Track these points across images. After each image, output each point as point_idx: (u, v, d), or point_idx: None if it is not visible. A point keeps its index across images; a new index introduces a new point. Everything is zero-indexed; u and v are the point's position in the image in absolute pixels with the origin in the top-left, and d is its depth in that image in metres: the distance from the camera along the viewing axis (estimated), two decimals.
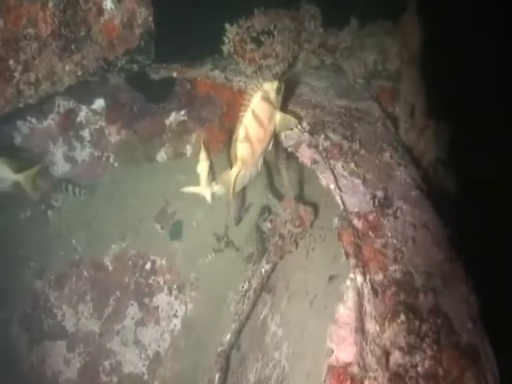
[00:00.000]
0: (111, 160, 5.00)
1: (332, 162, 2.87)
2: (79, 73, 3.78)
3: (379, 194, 2.74)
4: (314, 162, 2.87)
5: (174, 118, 4.68)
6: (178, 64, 4.08)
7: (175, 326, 4.68)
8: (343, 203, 2.65)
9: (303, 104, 3.30)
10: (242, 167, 3.07)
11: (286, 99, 3.21)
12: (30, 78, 3.68)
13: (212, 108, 4.51)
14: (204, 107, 4.57)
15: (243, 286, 4.08)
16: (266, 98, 2.95)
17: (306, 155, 2.94)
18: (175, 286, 4.71)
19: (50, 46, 3.65)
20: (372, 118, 3.32)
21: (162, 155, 4.83)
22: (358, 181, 2.77)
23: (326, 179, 2.75)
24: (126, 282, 4.81)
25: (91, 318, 4.85)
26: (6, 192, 4.46)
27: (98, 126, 4.96)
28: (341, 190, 2.69)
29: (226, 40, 3.63)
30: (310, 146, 2.97)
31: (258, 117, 2.95)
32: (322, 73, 3.77)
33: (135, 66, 4.11)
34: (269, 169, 4.33)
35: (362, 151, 2.98)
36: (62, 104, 4.86)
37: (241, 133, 2.97)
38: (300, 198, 3.84)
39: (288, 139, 3.05)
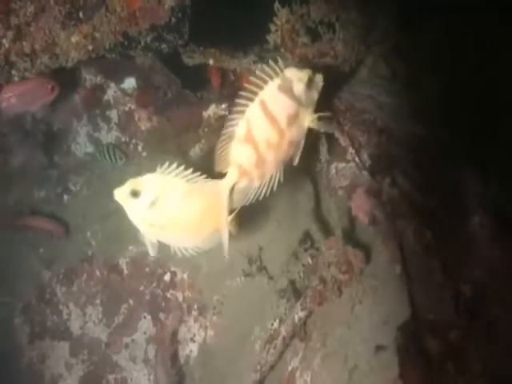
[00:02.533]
0: (139, 148, 4.07)
1: (400, 223, 1.80)
2: (90, 47, 2.88)
3: (467, 290, 1.64)
4: (374, 221, 1.84)
5: (212, 110, 3.60)
6: (216, 50, 2.98)
7: (191, 351, 3.78)
8: (411, 302, 1.57)
9: (365, 125, 2.28)
10: (241, 178, 2.16)
11: (343, 114, 2.10)
12: (24, 47, 2.77)
13: None
14: None
15: (272, 325, 3.25)
16: (286, 90, 2.07)
17: (362, 207, 2.05)
18: (195, 307, 3.78)
19: (51, 10, 2.72)
20: (456, 157, 2.21)
21: (196, 151, 3.80)
22: (435, 263, 1.69)
23: (389, 252, 1.69)
24: (141, 291, 3.90)
25: (99, 323, 4.02)
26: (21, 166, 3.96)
27: (127, 108, 4.03)
28: (408, 278, 1.62)
29: (272, 28, 2.53)
30: (369, 192, 1.98)
31: (269, 112, 2.07)
32: (392, 86, 2.61)
33: (164, 46, 3.14)
34: (316, 187, 3.22)
35: (442, 211, 1.88)
36: (89, 78, 3.99)
37: (241, 129, 2.09)
38: (350, 237, 2.80)
39: (339, 176, 1.97)
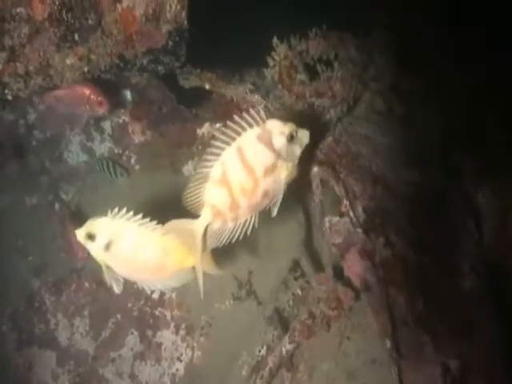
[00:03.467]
0: (132, 161, 3.98)
1: (392, 290, 1.72)
2: (85, 68, 2.81)
3: (453, 365, 1.58)
4: (366, 287, 1.76)
5: (207, 129, 3.48)
6: (212, 73, 2.91)
7: (177, 370, 3.72)
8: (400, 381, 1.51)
9: (360, 173, 2.20)
10: (215, 219, 2.13)
11: (339, 159, 2.03)
12: (18, 68, 2.72)
13: None
14: None
15: (260, 351, 3.25)
16: (266, 141, 2.04)
17: (354, 269, 1.93)
18: (183, 326, 3.74)
19: (46, 32, 2.65)
20: (451, 209, 2.13)
21: (189, 169, 3.75)
22: (426, 338, 1.63)
23: (379, 324, 1.62)
24: (129, 307, 3.84)
25: (86, 336, 3.94)
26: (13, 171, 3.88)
27: (121, 121, 3.96)
28: (399, 355, 1.56)
29: (270, 62, 2.45)
30: (362, 253, 1.91)
31: (245, 160, 2.05)
32: (389, 124, 2.54)
33: (161, 68, 3.08)
34: (308, 219, 3.17)
35: (434, 272, 1.81)
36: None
37: (216, 171, 2.06)
38: (341, 275, 2.71)
39: (332, 232, 1.90)
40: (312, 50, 2.56)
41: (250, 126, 2.04)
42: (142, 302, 3.81)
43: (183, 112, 3.58)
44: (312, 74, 2.60)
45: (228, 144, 2.05)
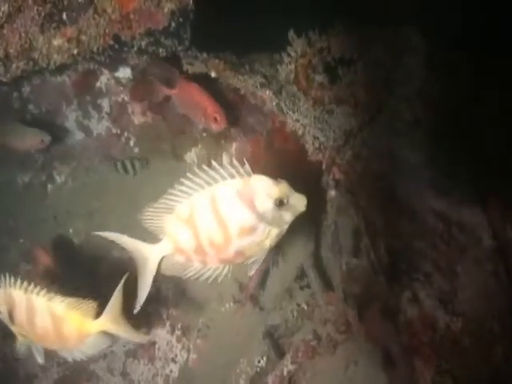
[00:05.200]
0: (131, 143, 3.67)
1: (417, 363, 1.41)
2: (74, 51, 2.50)
3: None
4: (388, 361, 1.46)
5: None
6: (219, 60, 2.59)
7: (171, 372, 3.49)
8: None
9: (383, 200, 1.85)
10: (176, 253, 1.95)
11: (359, 179, 1.69)
12: None
13: (261, 118, 3.02)
14: (252, 114, 3.08)
15: (259, 362, 3.00)
16: (247, 200, 1.78)
17: (375, 333, 1.53)
18: (179, 326, 3.50)
19: (29, 10, 2.34)
20: (479, 251, 1.79)
21: (191, 156, 3.45)
22: None
23: None
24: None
25: None
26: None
27: (120, 99, 3.62)
28: None
29: (285, 58, 2.08)
30: (384, 312, 1.56)
31: (218, 213, 1.81)
32: (415, 136, 2.18)
33: (162, 51, 2.76)
34: (318, 233, 2.91)
35: (465, 339, 1.48)
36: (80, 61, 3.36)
37: (183, 209, 1.86)
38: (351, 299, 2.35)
39: (350, 277, 1.61)
40: (334, 47, 2.18)
41: (231, 176, 1.75)
42: None
43: None
44: (332, 75, 2.21)
45: (201, 187, 1.80)
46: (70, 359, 2.29)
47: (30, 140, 3.44)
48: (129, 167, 3.38)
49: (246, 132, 3.16)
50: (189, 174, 1.82)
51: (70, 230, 3.75)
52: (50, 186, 3.87)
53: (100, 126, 3.73)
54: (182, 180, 1.84)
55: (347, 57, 2.26)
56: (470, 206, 1.97)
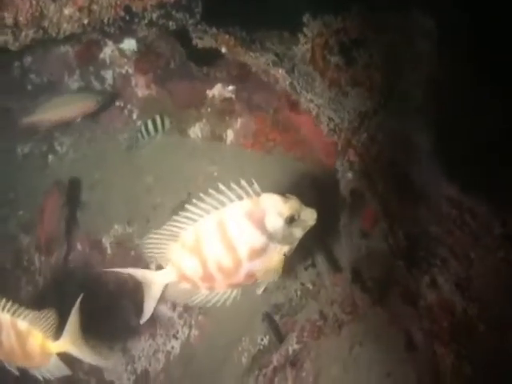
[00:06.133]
0: (134, 116, 3.60)
1: (438, 349, 1.42)
2: (85, 20, 2.45)
3: None
4: (410, 344, 1.42)
5: (218, 90, 3.19)
6: (230, 36, 2.51)
7: (173, 348, 3.42)
8: None
9: (398, 184, 1.83)
10: (181, 281, 1.86)
11: (373, 163, 1.66)
12: (6, 19, 2.34)
13: (268, 95, 2.97)
14: (258, 91, 3.04)
15: (262, 340, 2.95)
16: (256, 219, 1.70)
17: (396, 319, 1.48)
18: None
19: None
20: (491, 239, 1.78)
21: (195, 131, 3.38)
22: None
23: None
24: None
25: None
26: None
27: (123, 71, 3.56)
28: None
29: (301, 38, 2.03)
30: (405, 296, 1.55)
31: (227, 236, 1.73)
32: (427, 122, 2.15)
33: (172, 23, 2.72)
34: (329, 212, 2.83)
35: (482, 327, 1.47)
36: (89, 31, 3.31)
37: (188, 236, 1.76)
38: (358, 280, 2.39)
39: (370, 261, 1.61)
40: (351, 29, 2.13)
41: (239, 198, 1.68)
42: None
43: (193, 70, 3.18)
44: (348, 57, 2.17)
45: (208, 212, 1.72)
46: (40, 378, 2.22)
47: (85, 105, 3.38)
48: (158, 123, 3.27)
49: (251, 109, 3.11)
50: (195, 201, 1.73)
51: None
52: (50, 157, 3.82)
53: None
54: (187, 206, 1.76)
55: (362, 39, 2.20)
56: (480, 194, 1.95)
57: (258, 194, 1.69)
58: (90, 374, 3.56)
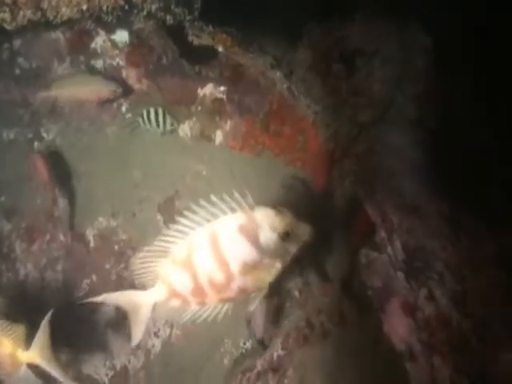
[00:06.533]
0: (123, 109, 3.55)
1: (436, 361, 1.39)
2: (84, 6, 2.45)
3: None
4: (411, 355, 1.40)
5: (209, 90, 3.14)
6: (227, 35, 2.47)
7: (153, 346, 3.36)
8: None
9: (396, 197, 1.79)
10: (171, 298, 1.82)
11: (375, 174, 1.65)
12: None
13: (259, 99, 2.92)
14: (249, 94, 2.98)
15: (245, 344, 2.97)
16: (249, 234, 1.66)
17: (397, 329, 1.53)
18: None
19: None
20: (483, 256, 1.79)
21: (185, 129, 3.32)
22: None
23: None
24: (107, 269, 3.46)
25: (58, 293, 3.52)
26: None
27: (114, 63, 3.48)
28: None
29: (302, 43, 2.02)
30: (405, 307, 1.50)
31: (219, 250, 1.69)
32: (418, 136, 2.13)
33: (169, 18, 2.71)
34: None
35: (476, 342, 1.48)
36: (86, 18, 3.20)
37: (179, 251, 1.73)
38: (348, 290, 2.47)
39: (371, 271, 1.55)
40: (354, 37, 2.11)
41: (232, 210, 1.63)
42: (122, 266, 3.42)
43: (185, 67, 3.13)
44: (349, 66, 2.16)
45: (200, 225, 1.67)
46: None
47: (103, 90, 3.32)
48: (160, 118, 3.23)
49: (242, 111, 3.07)
50: (185, 212, 1.69)
51: (56, 191, 3.53)
52: (36, 144, 3.74)
53: None
54: (178, 219, 1.72)
55: (364, 49, 2.18)
56: (473, 211, 1.95)
57: (251, 207, 1.63)
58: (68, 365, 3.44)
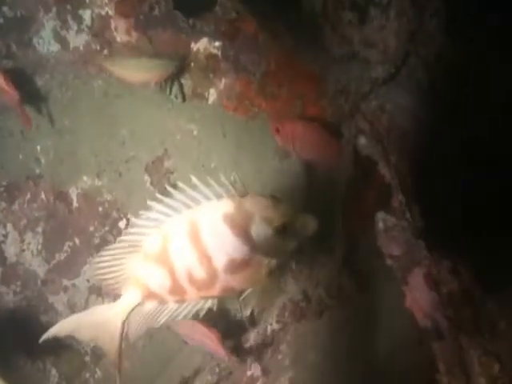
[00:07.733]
0: None
1: (464, 340, 1.21)
2: None
3: None
4: (438, 333, 1.24)
5: (204, 45, 2.96)
6: None
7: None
8: None
9: (410, 158, 1.62)
10: (147, 300, 1.58)
11: (387, 133, 1.46)
12: None
13: (256, 57, 2.76)
14: (246, 51, 2.81)
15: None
16: (237, 226, 1.42)
17: (421, 303, 1.35)
18: None
19: None
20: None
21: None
22: None
23: None
24: (90, 232, 3.32)
25: (38, 255, 3.43)
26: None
27: (103, 13, 3.24)
28: None
29: None
30: (429, 280, 1.30)
31: (200, 243, 1.44)
32: (432, 103, 1.94)
33: None
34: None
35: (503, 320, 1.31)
36: None
37: (152, 245, 1.50)
38: (349, 262, 2.31)
39: (389, 237, 1.36)
40: None
41: (218, 196, 1.40)
42: (106, 229, 3.30)
43: (178, 19, 2.95)
44: (362, 15, 1.94)
45: (177, 211, 1.44)
46: None
47: (162, 71, 3.04)
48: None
49: (237, 69, 2.91)
50: (159, 196, 1.45)
51: (38, 147, 3.42)
52: None
53: (78, 40, 3.35)
54: (151, 204, 1.49)
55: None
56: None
57: (242, 194, 1.40)
58: None
